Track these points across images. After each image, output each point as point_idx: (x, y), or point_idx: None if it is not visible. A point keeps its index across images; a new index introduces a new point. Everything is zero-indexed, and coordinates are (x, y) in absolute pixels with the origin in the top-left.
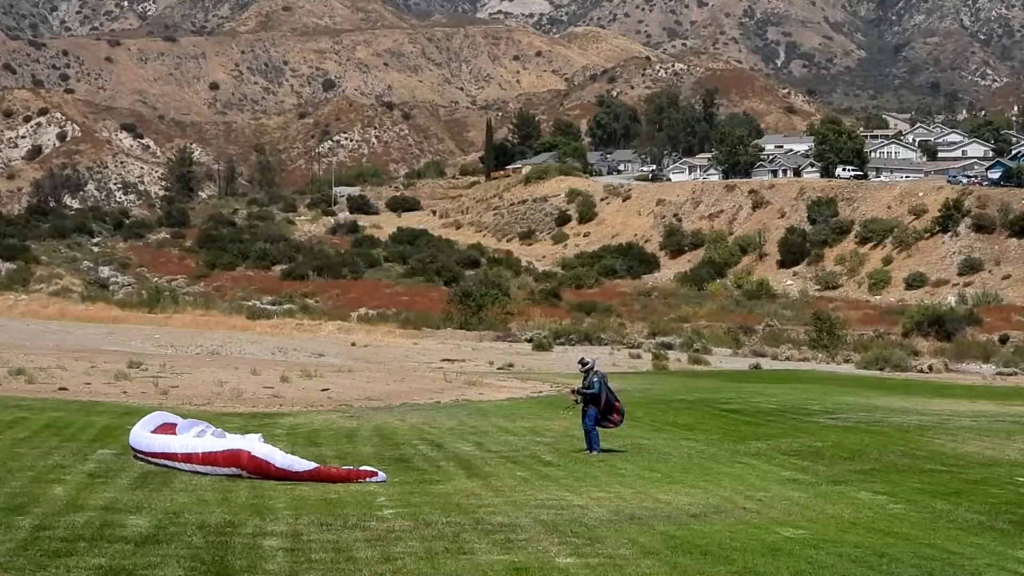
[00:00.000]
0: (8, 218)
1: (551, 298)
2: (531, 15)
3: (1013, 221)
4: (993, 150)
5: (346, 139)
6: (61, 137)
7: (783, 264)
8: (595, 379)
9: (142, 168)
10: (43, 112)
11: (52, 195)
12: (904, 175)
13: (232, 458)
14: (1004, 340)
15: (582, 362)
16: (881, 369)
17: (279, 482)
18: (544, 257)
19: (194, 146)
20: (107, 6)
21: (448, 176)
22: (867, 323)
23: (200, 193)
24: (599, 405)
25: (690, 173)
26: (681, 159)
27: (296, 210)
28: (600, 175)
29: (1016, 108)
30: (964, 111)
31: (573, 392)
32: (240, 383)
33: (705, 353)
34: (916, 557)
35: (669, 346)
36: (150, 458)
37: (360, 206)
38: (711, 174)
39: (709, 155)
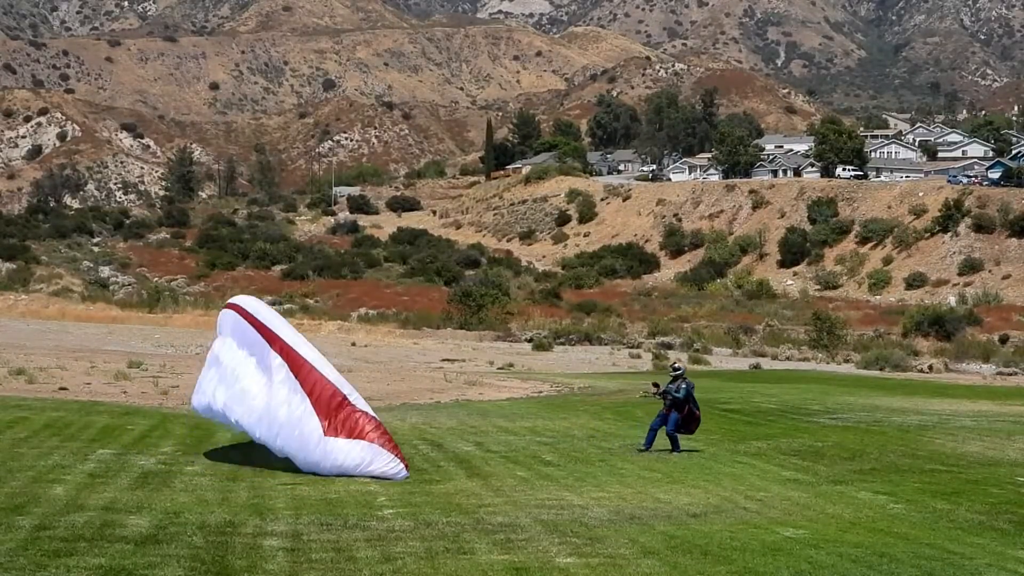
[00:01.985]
0: (8, 218)
1: (551, 298)
2: (531, 15)
3: (1013, 221)
4: (993, 150)
5: (346, 139)
6: (61, 137)
7: (783, 264)
8: (683, 385)
9: (142, 168)
10: (43, 112)
11: (52, 195)
12: (904, 175)
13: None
14: (1004, 340)
15: (674, 367)
16: (881, 369)
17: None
18: (544, 257)
19: (194, 146)
20: (107, 6)
21: (448, 176)
22: (867, 323)
23: (200, 193)
24: (682, 412)
25: (690, 173)
26: (681, 159)
27: (296, 210)
28: (600, 175)
29: (1016, 108)
30: (964, 111)
31: (655, 386)
32: None
33: (705, 353)
34: (916, 557)
35: (669, 346)
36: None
37: (360, 206)
38: (711, 174)
39: (709, 155)
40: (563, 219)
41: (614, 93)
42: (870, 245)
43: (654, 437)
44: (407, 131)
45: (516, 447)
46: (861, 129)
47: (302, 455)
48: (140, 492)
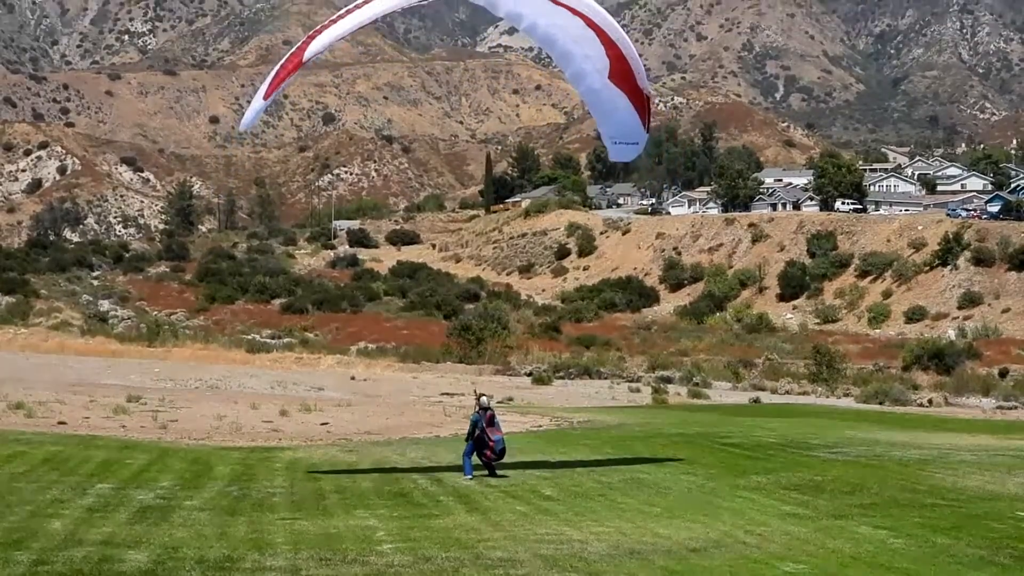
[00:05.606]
0: (8, 251)
1: (551, 332)
2: (530, 48)
3: (1012, 254)
4: (992, 183)
5: (346, 172)
6: (61, 171)
7: (783, 298)
8: (476, 416)
9: (142, 202)
10: (43, 146)
11: (52, 228)
12: (903, 208)
13: None
14: (1004, 374)
15: (479, 400)
16: (881, 403)
17: None
18: (544, 291)
19: (194, 180)
20: (108, 40)
21: (448, 210)
22: (867, 357)
23: (200, 227)
24: (472, 436)
25: (689, 206)
26: (680, 192)
27: (296, 243)
28: (600, 208)
29: (1015, 141)
30: (963, 144)
31: (477, 398)
32: (239, 417)
33: (705, 387)
34: None
35: (669, 380)
36: None
37: (360, 239)
38: (710, 207)
39: (708, 188)
40: (562, 252)
41: None
42: (869, 279)
43: (468, 462)
44: (407, 165)
45: (515, 481)
46: (860, 163)
47: None
48: (138, 527)
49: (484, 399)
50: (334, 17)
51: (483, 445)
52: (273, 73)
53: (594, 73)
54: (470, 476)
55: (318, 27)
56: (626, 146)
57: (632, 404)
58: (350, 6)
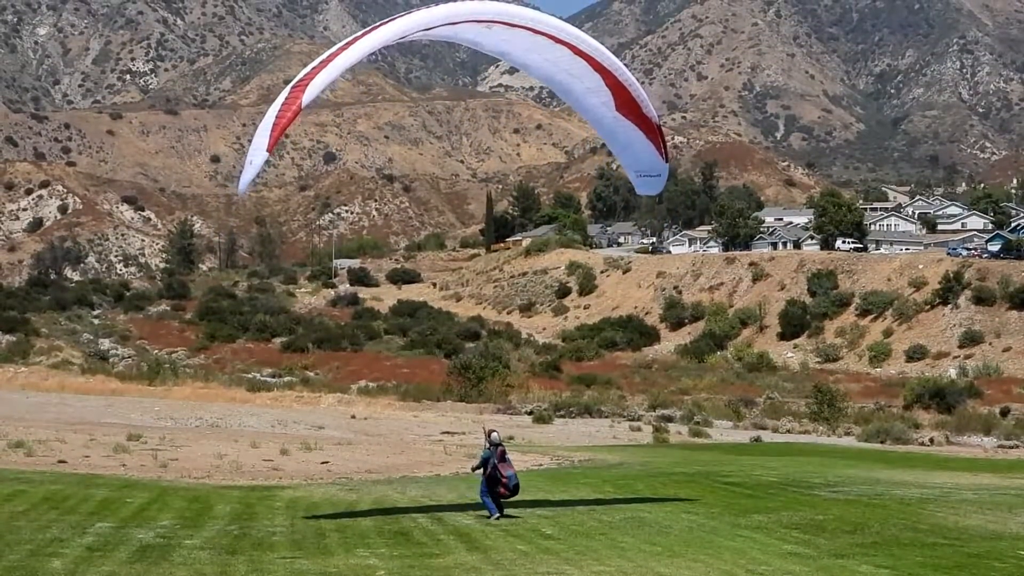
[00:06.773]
0: (9, 290)
1: (551, 370)
2: (531, 88)
3: (1013, 293)
4: (992, 222)
5: (347, 211)
6: (62, 210)
7: (783, 336)
8: (488, 452)
9: (143, 240)
10: (44, 185)
11: (53, 267)
12: (904, 247)
13: None
14: (1005, 413)
15: (490, 437)
16: (882, 442)
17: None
18: (544, 329)
19: (195, 218)
20: (109, 79)
21: (448, 248)
22: (868, 395)
23: (200, 265)
24: (485, 473)
25: (690, 245)
26: (681, 231)
27: (296, 282)
28: (600, 247)
29: (1015, 180)
30: (963, 184)
31: (488, 434)
32: (240, 456)
33: (706, 426)
34: None
35: (669, 419)
36: None
37: (360, 278)
38: (711, 246)
39: (709, 227)
40: (563, 291)
41: (613, 166)
42: (870, 318)
43: (489, 501)
44: (407, 204)
45: (516, 520)
46: (860, 202)
47: None
48: (138, 566)
49: (495, 435)
50: (323, 58)
51: (496, 482)
52: (269, 124)
53: (600, 107)
54: (496, 515)
55: (306, 72)
56: (650, 179)
57: (633, 443)
58: (334, 49)
